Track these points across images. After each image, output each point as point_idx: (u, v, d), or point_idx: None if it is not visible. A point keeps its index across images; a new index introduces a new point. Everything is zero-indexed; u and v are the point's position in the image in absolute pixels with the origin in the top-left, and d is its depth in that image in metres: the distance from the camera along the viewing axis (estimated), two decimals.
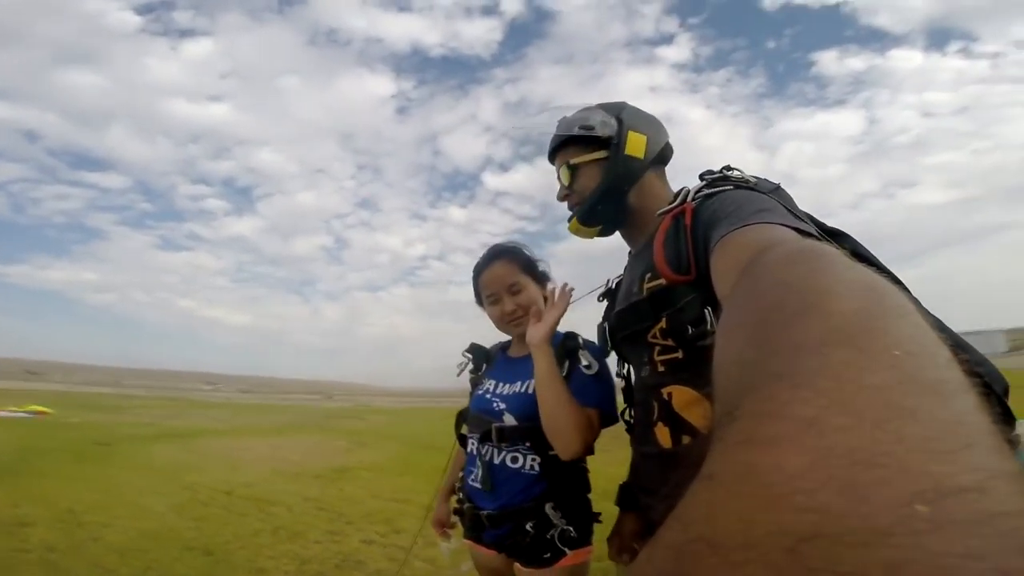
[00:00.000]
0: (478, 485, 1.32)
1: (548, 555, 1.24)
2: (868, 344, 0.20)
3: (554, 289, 1.27)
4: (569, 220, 1.10)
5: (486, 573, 1.37)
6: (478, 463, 1.33)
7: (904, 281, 0.66)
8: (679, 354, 0.91)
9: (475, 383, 1.48)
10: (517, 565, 1.28)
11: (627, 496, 1.13)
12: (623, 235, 1.12)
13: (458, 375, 1.52)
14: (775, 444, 0.16)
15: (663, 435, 0.94)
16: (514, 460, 1.28)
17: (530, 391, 1.26)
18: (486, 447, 1.31)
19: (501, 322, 1.37)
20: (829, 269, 0.29)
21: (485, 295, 1.39)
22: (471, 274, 1.44)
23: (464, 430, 1.46)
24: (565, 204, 1.12)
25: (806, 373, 0.19)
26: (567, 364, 1.27)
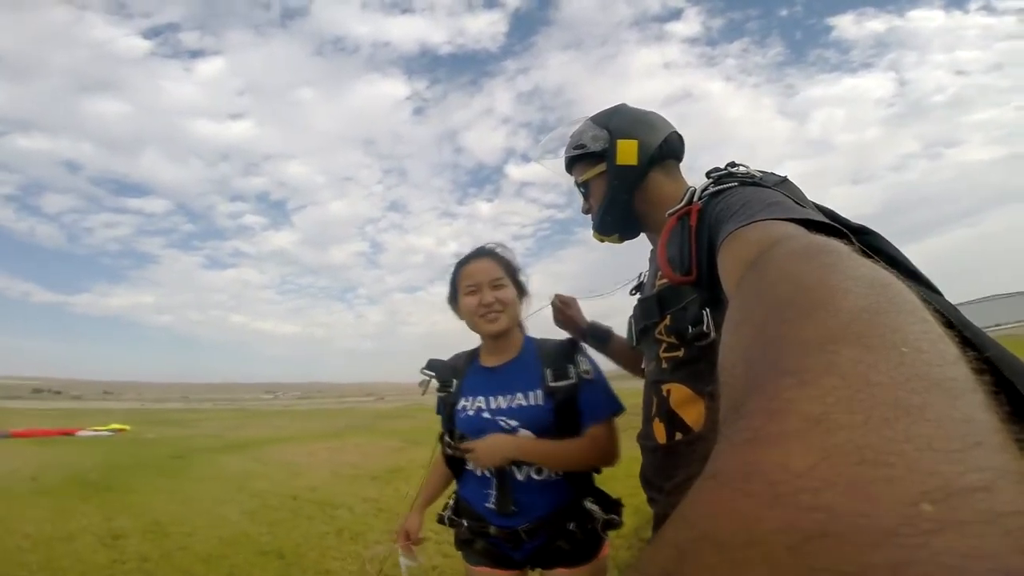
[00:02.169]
0: (493, 507, 1.30)
1: (592, 548, 1.30)
2: (875, 341, 0.20)
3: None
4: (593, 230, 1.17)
5: None
6: (493, 487, 1.31)
7: (928, 274, 0.67)
8: (680, 352, 0.94)
9: (449, 402, 1.43)
10: (559, 571, 1.29)
11: None
12: (646, 235, 1.15)
13: (423, 394, 1.51)
14: (781, 442, 0.16)
15: (659, 431, 0.97)
16: (539, 472, 1.30)
17: (539, 402, 1.32)
18: (508, 468, 1.30)
19: (475, 313, 1.37)
20: (837, 265, 0.28)
21: (465, 285, 1.39)
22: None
23: (450, 451, 1.40)
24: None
25: (813, 370, 0.19)
26: (570, 368, 1.34)
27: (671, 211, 0.85)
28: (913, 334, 0.20)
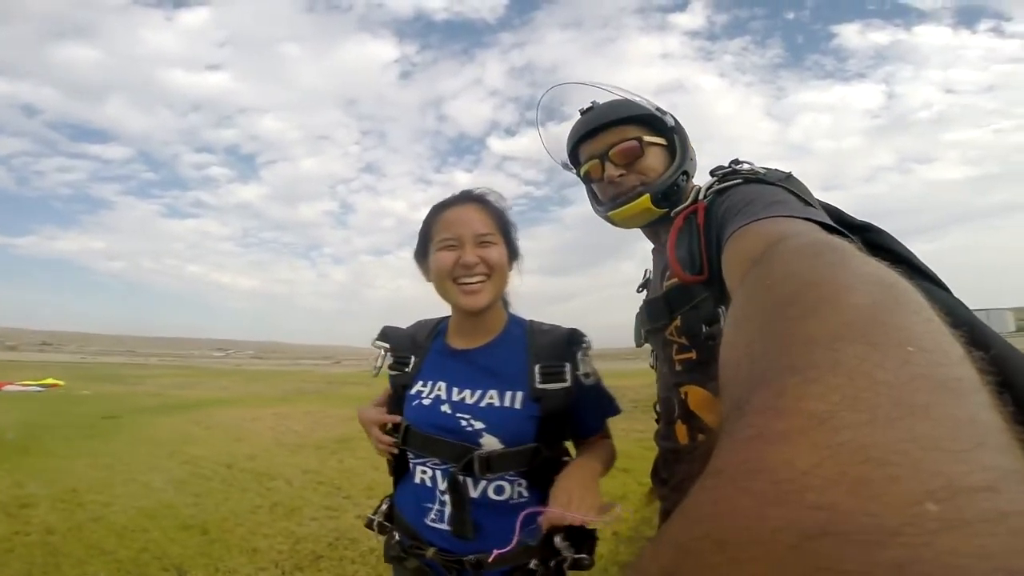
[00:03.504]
0: (445, 527, 1.02)
1: None
2: (881, 340, 0.19)
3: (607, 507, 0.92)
4: (623, 202, 1.01)
5: None
6: (440, 499, 1.04)
7: (936, 273, 0.70)
8: (693, 354, 0.92)
9: (403, 383, 1.13)
10: None
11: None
12: (646, 232, 1.11)
13: (375, 374, 1.20)
14: (786, 440, 0.16)
15: (681, 432, 0.96)
16: (498, 491, 1.02)
17: (516, 404, 1.04)
18: (461, 478, 1.02)
19: (448, 276, 1.05)
20: (843, 263, 0.28)
21: (441, 237, 1.06)
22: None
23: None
24: (598, 184, 1.07)
25: (818, 368, 0.19)
26: (566, 369, 1.06)
27: (677, 210, 0.87)
28: (919, 333, 0.20)
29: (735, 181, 0.77)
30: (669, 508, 1.02)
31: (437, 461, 1.05)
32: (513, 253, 1.14)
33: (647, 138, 1.02)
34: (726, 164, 0.88)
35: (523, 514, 0.96)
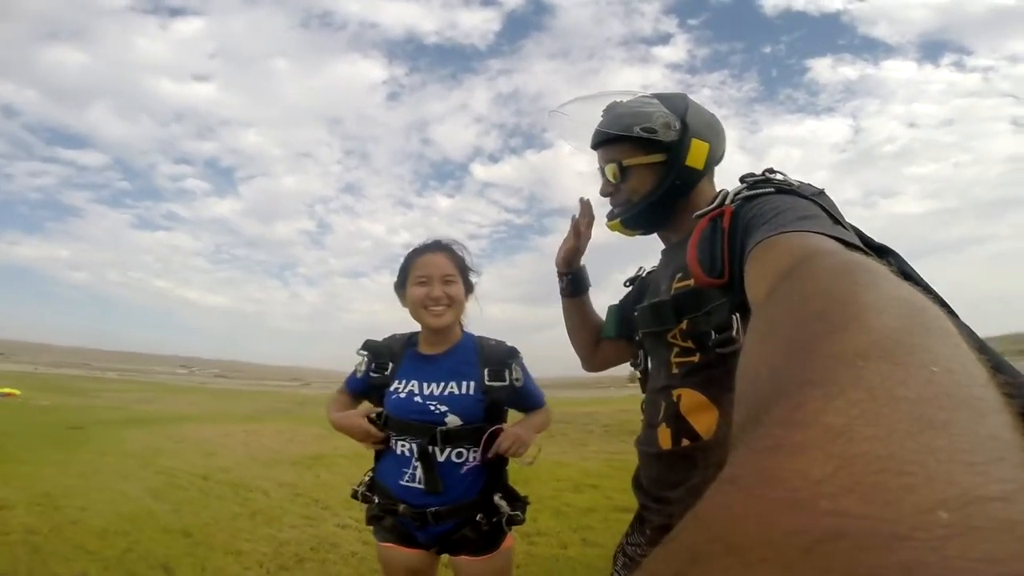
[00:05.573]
0: (418, 486, 1.35)
1: (496, 539, 1.40)
2: (906, 359, 0.20)
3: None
4: (610, 217, 1.08)
5: (404, 574, 1.41)
6: (414, 464, 1.36)
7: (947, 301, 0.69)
8: (696, 358, 0.92)
9: (382, 383, 1.47)
10: (463, 558, 1.37)
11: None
12: (659, 233, 1.09)
13: (360, 376, 1.53)
14: (802, 451, 0.16)
15: (664, 436, 0.95)
16: (459, 456, 1.37)
17: (471, 392, 1.41)
18: (429, 448, 1.35)
19: (421, 305, 1.42)
20: (874, 284, 0.28)
21: (416, 275, 1.43)
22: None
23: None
24: (606, 198, 1.09)
25: (839, 383, 0.19)
26: (506, 373, 1.46)
27: (700, 212, 0.83)
28: (944, 355, 0.20)
29: (766, 190, 0.75)
30: (661, 522, 0.98)
31: (411, 437, 1.38)
32: (469, 288, 1.53)
33: (629, 161, 1.00)
34: (758, 172, 0.84)
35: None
